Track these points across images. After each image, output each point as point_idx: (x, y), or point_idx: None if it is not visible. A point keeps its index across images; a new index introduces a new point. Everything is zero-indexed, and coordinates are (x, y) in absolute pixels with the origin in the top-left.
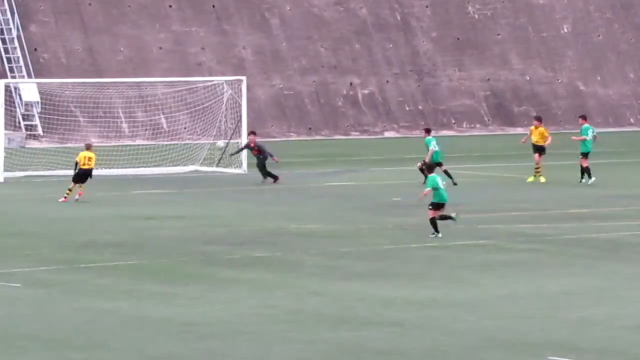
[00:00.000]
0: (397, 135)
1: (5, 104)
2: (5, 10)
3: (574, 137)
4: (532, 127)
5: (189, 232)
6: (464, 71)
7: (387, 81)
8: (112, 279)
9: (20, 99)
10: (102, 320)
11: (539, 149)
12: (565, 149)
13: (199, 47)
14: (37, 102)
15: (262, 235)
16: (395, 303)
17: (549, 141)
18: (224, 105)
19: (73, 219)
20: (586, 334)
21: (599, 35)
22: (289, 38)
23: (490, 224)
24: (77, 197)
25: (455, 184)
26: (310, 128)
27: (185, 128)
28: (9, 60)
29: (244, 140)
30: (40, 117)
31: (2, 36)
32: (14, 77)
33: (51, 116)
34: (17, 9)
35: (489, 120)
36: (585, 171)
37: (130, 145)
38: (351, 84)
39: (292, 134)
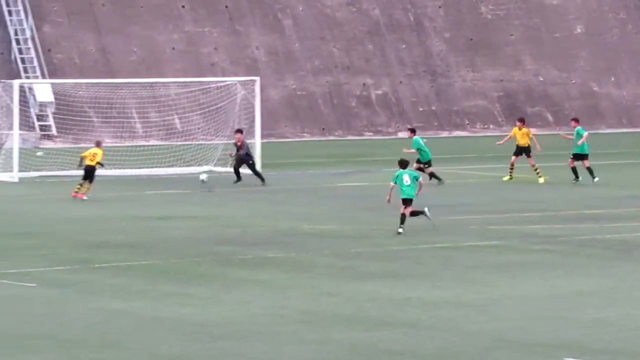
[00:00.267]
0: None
1: (20, 105)
2: (19, 11)
3: (562, 135)
4: (516, 129)
5: (202, 232)
6: (477, 72)
7: (400, 82)
8: (126, 279)
9: (35, 99)
10: (116, 320)
11: (522, 150)
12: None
13: (212, 48)
14: (51, 103)
15: (275, 236)
16: (407, 303)
17: (538, 147)
18: (237, 106)
19: (87, 219)
20: (600, 335)
21: (612, 36)
22: (301, 38)
23: (502, 224)
24: (84, 197)
25: (439, 181)
26: (323, 128)
27: (198, 128)
28: (23, 60)
29: (257, 140)
30: (54, 118)
31: (16, 37)
32: (28, 78)
33: (65, 116)
34: (31, 10)
35: (502, 120)
36: (588, 171)
37: (144, 146)
38: (364, 84)
39: (305, 134)
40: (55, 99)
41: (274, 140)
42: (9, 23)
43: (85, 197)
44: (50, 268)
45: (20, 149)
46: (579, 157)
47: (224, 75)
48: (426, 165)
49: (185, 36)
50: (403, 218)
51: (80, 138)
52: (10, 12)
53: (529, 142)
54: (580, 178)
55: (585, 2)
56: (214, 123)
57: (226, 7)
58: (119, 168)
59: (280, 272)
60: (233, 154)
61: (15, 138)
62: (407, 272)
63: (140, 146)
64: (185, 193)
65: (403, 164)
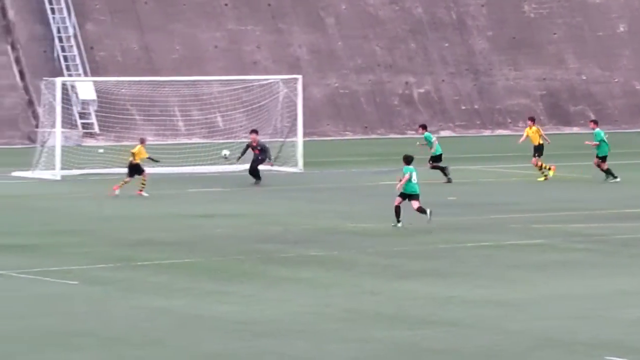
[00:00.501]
0: (453, 134)
1: (62, 102)
2: (62, 9)
3: (587, 142)
4: (527, 128)
5: (244, 230)
6: (519, 70)
7: (443, 80)
8: (168, 277)
9: (77, 97)
10: (158, 318)
11: (536, 150)
12: (618, 148)
13: (255, 46)
14: (94, 101)
15: (317, 234)
16: (449, 302)
17: (548, 140)
18: (279, 104)
19: (129, 217)
20: None
21: None
22: (344, 37)
23: (544, 223)
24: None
25: (447, 179)
26: (365, 127)
27: (241, 126)
28: (65, 58)
29: (300, 139)
30: (96, 115)
31: (59, 34)
32: (70, 76)
33: (107, 114)
34: (73, 8)
35: (544, 119)
36: (606, 172)
37: (186, 144)
38: (406, 83)
39: (347, 132)
40: (98, 96)
41: (316, 139)
42: (51, 21)
43: (117, 192)
44: (92, 266)
45: (62, 147)
46: (603, 158)
47: (266, 74)
48: (436, 161)
49: (227, 34)
50: (399, 212)
51: (122, 136)
52: (53, 10)
53: (541, 140)
54: (618, 178)
55: (628, 1)
56: (256, 121)
57: (269, 5)
58: (161, 166)
59: (322, 270)
60: (271, 164)
61: (57, 136)
62: (449, 271)
63: (182, 144)
64: (227, 191)
65: (408, 160)
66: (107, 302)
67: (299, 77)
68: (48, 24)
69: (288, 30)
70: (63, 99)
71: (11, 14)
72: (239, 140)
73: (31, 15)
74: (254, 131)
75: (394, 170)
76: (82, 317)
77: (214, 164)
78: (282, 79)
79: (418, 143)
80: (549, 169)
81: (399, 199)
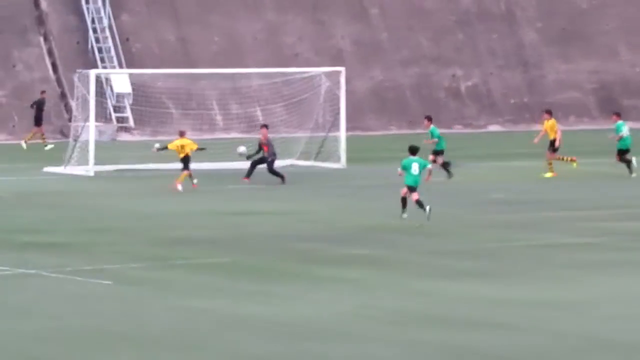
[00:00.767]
0: (502, 129)
1: (96, 96)
2: None
3: (611, 137)
4: (545, 122)
5: (286, 228)
6: (570, 63)
7: (491, 73)
8: (206, 277)
9: (112, 90)
10: (196, 320)
11: (552, 144)
12: None
13: (296, 37)
14: (129, 94)
15: (362, 232)
16: (501, 303)
17: (559, 136)
18: (321, 98)
19: (165, 214)
20: None
21: None
22: (389, 28)
23: (599, 221)
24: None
25: (449, 175)
26: (411, 121)
27: (281, 121)
28: (100, 50)
29: (342, 134)
30: (132, 109)
31: (94, 25)
32: (105, 68)
33: (143, 108)
34: None
35: (596, 113)
36: (625, 163)
37: (225, 138)
38: (453, 75)
39: (392, 127)
40: (133, 90)
41: (359, 134)
42: (85, 12)
43: (179, 187)
44: (126, 265)
45: (96, 141)
46: (624, 152)
47: (307, 66)
48: (438, 155)
49: (267, 25)
50: (405, 203)
51: (158, 130)
52: (87, 0)
53: (556, 135)
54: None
55: None
56: (297, 115)
57: None
58: (199, 161)
59: (369, 270)
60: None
61: (91, 130)
62: (500, 271)
63: (220, 139)
64: (268, 187)
65: (413, 151)
66: (142, 303)
67: (342, 69)
68: (82, 15)
69: (330, 20)
70: (97, 92)
71: (44, 4)
72: (279, 135)
73: (64, 6)
74: (265, 126)
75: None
76: (117, 318)
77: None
78: (324, 72)
79: (425, 140)
80: (572, 160)
81: (404, 190)
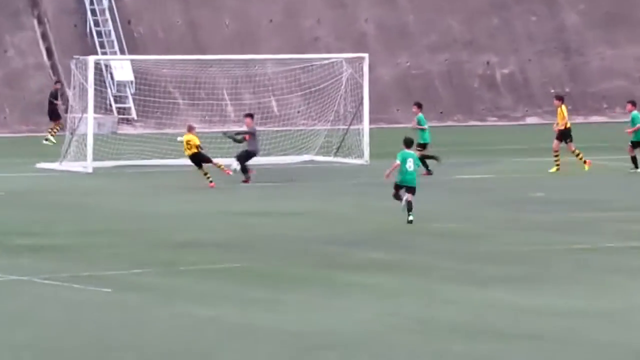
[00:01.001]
0: (541, 121)
1: (95, 84)
2: None
3: (629, 130)
4: (558, 108)
5: (303, 230)
6: (616, 49)
7: (529, 60)
8: (215, 283)
9: (112, 78)
10: (204, 329)
11: (560, 134)
12: None
13: (315, 20)
14: (131, 82)
15: (385, 234)
16: (535, 312)
17: (566, 124)
18: (342, 87)
19: (171, 215)
20: None
21: None
22: (416, 11)
23: None
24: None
25: (429, 173)
26: (441, 112)
27: (298, 112)
28: (99, 34)
29: (365, 126)
30: (134, 99)
31: (92, 7)
32: (104, 54)
33: (146, 98)
34: None
35: None
36: (632, 160)
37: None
38: (488, 62)
39: None
40: (136, 78)
41: (384, 126)
42: None
43: (230, 173)
44: (128, 271)
45: (95, 134)
46: (638, 144)
47: (327, 52)
48: (419, 148)
49: (283, 7)
50: (398, 195)
51: (163, 123)
52: None
53: (568, 124)
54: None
55: None
56: (316, 106)
57: None
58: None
59: (391, 275)
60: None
61: (89, 122)
62: (536, 277)
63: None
64: (283, 186)
65: (407, 143)
66: (146, 312)
67: (365, 55)
68: None
69: (353, 2)
70: (96, 80)
71: None
72: (296, 128)
73: None
74: (249, 115)
75: (470, 162)
76: (118, 329)
77: (269, 154)
78: (345, 58)
79: (411, 126)
80: (581, 159)
81: (404, 191)
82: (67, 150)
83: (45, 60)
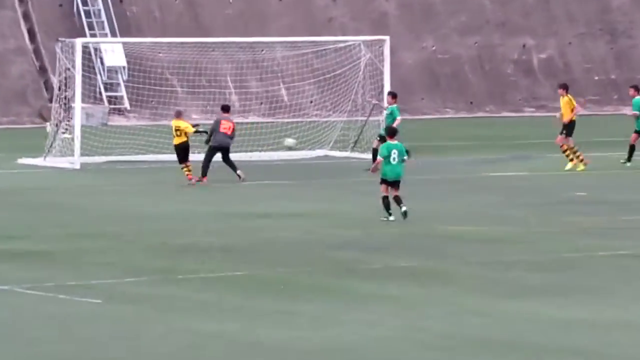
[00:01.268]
0: (583, 111)
1: (83, 70)
2: None
3: (628, 113)
4: (561, 98)
5: (314, 234)
6: None
7: (570, 43)
8: (217, 294)
9: (102, 63)
10: (205, 347)
11: (563, 128)
12: None
13: None
14: (123, 68)
15: (406, 239)
16: (575, 325)
17: (576, 112)
18: (361, 73)
19: (167, 216)
20: None
21: None
22: None
23: None
24: (192, 181)
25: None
26: (471, 102)
27: (311, 102)
28: (87, 14)
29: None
30: (126, 87)
31: None
32: (94, 36)
33: (140, 85)
34: None
35: None
36: (629, 150)
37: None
38: (524, 46)
39: (447, 109)
40: (128, 63)
41: (407, 117)
42: None
43: (192, 182)
44: (120, 280)
45: (83, 127)
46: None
47: (344, 34)
48: (378, 139)
49: None
50: (388, 202)
51: (159, 113)
52: None
53: (573, 116)
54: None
55: None
56: (331, 95)
57: None
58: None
59: (415, 285)
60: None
61: (77, 113)
62: (575, 287)
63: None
64: (293, 184)
65: (391, 133)
66: (139, 326)
67: (386, 38)
68: None
69: None
70: (84, 65)
71: None
72: (309, 120)
73: None
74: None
75: (501, 158)
76: (108, 343)
77: (277, 149)
78: (364, 41)
79: (374, 102)
80: (580, 159)
81: (383, 187)
82: (51, 144)
83: (27, 44)
